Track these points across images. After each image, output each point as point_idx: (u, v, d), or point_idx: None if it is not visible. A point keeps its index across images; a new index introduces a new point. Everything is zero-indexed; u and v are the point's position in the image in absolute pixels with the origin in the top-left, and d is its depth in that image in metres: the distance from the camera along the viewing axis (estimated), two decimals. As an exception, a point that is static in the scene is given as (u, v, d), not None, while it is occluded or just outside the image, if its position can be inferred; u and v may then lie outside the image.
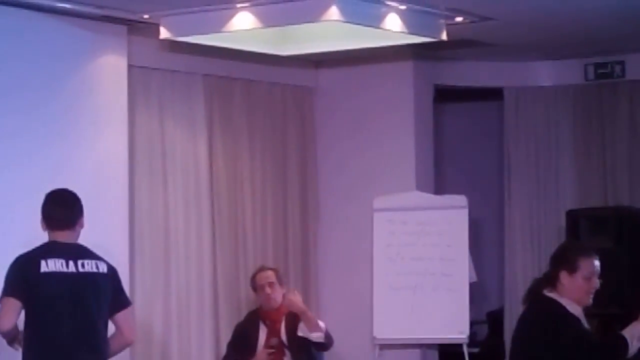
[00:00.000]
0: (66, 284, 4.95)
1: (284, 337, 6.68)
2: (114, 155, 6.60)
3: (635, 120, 8.35)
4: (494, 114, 9.05)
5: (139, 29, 6.65)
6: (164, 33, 6.37)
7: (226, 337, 7.09)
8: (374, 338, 7.75)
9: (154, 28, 6.42)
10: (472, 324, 7.95)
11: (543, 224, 8.51)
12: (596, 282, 4.92)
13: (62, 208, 5.08)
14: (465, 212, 7.76)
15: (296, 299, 6.64)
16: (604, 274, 5.01)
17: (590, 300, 4.94)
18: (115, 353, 5.23)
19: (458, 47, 7.51)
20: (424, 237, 7.79)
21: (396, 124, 8.10)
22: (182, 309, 7.20)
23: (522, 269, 8.51)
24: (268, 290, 6.73)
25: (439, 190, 8.31)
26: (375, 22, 6.14)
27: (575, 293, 4.88)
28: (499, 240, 8.79)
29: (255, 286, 6.83)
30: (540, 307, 4.92)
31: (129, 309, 5.22)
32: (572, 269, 4.88)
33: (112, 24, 6.52)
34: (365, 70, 8.15)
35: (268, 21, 6.08)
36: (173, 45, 6.88)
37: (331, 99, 8.30)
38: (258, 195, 7.80)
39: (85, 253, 5.08)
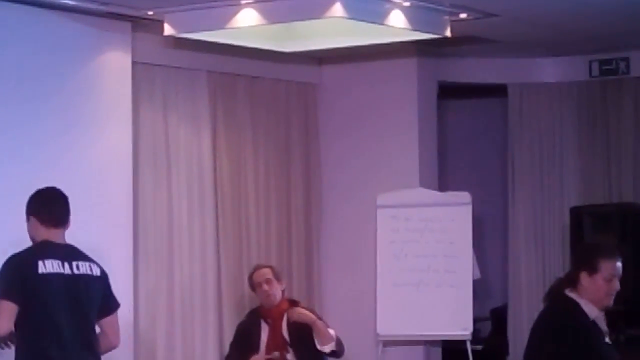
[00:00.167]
0: (63, 285, 4.86)
1: (285, 334, 6.68)
2: (118, 152, 6.61)
3: (639, 116, 8.35)
4: (498, 111, 9.05)
5: (143, 25, 6.65)
6: (168, 30, 6.37)
7: (230, 333, 7.09)
8: (377, 335, 7.75)
9: (158, 25, 6.42)
10: (476, 320, 7.94)
11: (547, 221, 8.51)
12: (617, 284, 4.86)
13: (58, 205, 5.00)
14: (469, 208, 7.76)
15: (302, 311, 6.64)
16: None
17: (611, 302, 4.88)
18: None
19: (462, 43, 7.50)
20: (428, 234, 7.78)
21: (400, 121, 8.10)
22: (186, 305, 7.20)
23: (526, 266, 8.52)
24: (266, 287, 6.72)
25: (442, 187, 8.31)
26: (379, 18, 6.14)
27: (595, 294, 4.83)
28: (502, 237, 8.80)
29: (253, 285, 6.83)
30: (556, 307, 4.90)
31: (116, 312, 5.13)
32: (593, 270, 4.83)
33: (116, 20, 6.52)
34: (369, 67, 8.15)
35: (272, 18, 6.07)
36: (177, 42, 6.88)
37: (335, 95, 8.30)
38: (261, 192, 7.81)
39: (78, 254, 5.00)
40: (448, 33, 6.61)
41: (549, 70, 8.58)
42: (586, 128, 8.49)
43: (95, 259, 6.38)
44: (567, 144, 8.53)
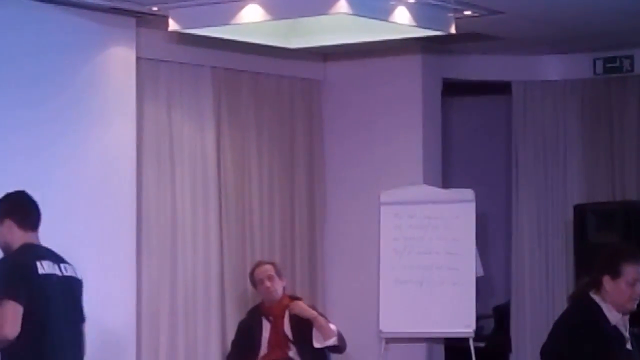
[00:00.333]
0: (59, 286, 4.81)
1: (287, 331, 6.68)
2: (122, 147, 6.61)
3: (643, 114, 8.35)
4: (502, 108, 9.04)
5: (147, 21, 6.64)
6: (172, 25, 6.37)
7: (232, 329, 7.09)
8: (380, 332, 7.75)
9: (162, 20, 6.42)
10: (479, 318, 7.94)
11: (550, 218, 8.50)
12: None
13: (34, 208, 4.88)
14: (473, 206, 7.75)
15: (303, 305, 6.64)
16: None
17: (634, 307, 4.85)
18: None
19: (467, 40, 7.49)
20: (431, 231, 7.78)
21: (404, 118, 8.09)
22: (189, 300, 7.19)
23: (529, 263, 8.51)
24: (268, 283, 6.72)
25: (446, 184, 8.30)
26: (383, 15, 6.13)
27: (617, 299, 4.81)
28: (506, 234, 8.79)
29: (255, 281, 6.83)
30: (579, 308, 4.90)
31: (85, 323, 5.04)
32: (615, 275, 4.81)
33: (120, 16, 6.52)
34: (374, 64, 8.14)
35: (276, 14, 6.07)
36: (181, 38, 6.88)
37: (339, 92, 8.29)
38: (265, 188, 7.80)
39: (61, 257, 4.92)
40: (453, 30, 6.60)
41: (554, 68, 8.57)
42: (590, 126, 8.48)
43: (99, 254, 6.43)
44: (571, 141, 8.52)
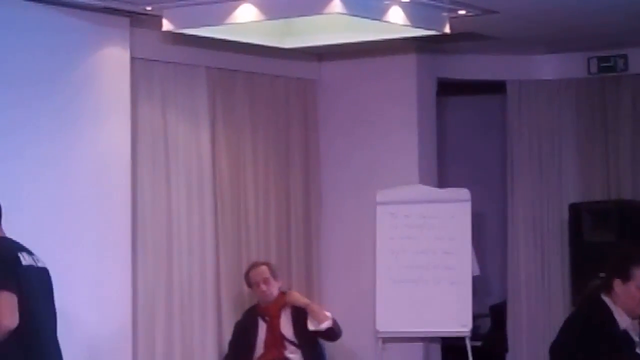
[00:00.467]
0: (38, 278, 4.80)
1: (284, 331, 6.68)
2: (117, 148, 6.60)
3: (638, 113, 8.35)
4: (497, 108, 9.05)
5: (141, 20, 6.64)
6: (166, 25, 6.36)
7: (229, 330, 7.09)
8: (376, 331, 7.74)
9: (156, 20, 6.41)
10: (475, 317, 7.93)
11: (546, 218, 8.51)
12: None
13: None
14: (468, 205, 7.75)
15: (297, 294, 6.66)
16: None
17: None
18: None
19: (461, 40, 7.50)
20: (427, 231, 7.78)
21: (399, 117, 8.10)
22: (185, 302, 7.18)
23: (525, 262, 8.52)
24: (263, 287, 6.75)
25: (441, 183, 8.30)
26: (378, 14, 6.13)
27: (628, 302, 4.83)
28: (501, 234, 8.79)
29: (250, 283, 6.84)
30: (589, 310, 4.91)
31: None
32: (626, 278, 4.83)
33: (114, 15, 6.51)
34: (368, 63, 8.15)
35: (271, 13, 6.07)
36: (176, 38, 6.87)
37: (334, 92, 8.29)
38: (261, 188, 7.80)
39: (29, 249, 4.88)
40: (447, 30, 6.61)
41: (548, 67, 8.57)
42: (585, 125, 8.49)
43: (93, 255, 6.42)
44: (566, 140, 8.52)
